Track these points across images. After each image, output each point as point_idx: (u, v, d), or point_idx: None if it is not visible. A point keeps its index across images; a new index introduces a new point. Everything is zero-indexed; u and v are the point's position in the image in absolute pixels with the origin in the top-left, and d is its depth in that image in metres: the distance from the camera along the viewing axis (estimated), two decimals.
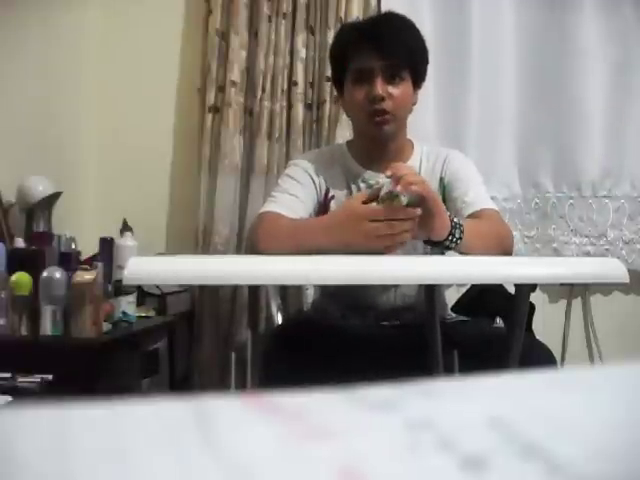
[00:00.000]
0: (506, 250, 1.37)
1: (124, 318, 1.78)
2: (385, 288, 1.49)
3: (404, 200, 1.15)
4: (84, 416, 0.18)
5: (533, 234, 2.47)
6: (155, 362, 1.92)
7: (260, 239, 1.34)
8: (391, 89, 1.44)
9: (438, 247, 1.26)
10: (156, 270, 0.98)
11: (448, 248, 1.26)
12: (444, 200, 1.46)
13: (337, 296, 1.54)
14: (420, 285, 1.46)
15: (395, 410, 0.18)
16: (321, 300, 1.60)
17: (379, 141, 1.49)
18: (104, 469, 0.15)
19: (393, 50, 1.43)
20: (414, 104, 1.53)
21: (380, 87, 1.43)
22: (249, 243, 1.45)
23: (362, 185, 1.51)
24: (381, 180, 1.49)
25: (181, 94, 2.49)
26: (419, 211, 1.15)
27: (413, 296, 1.52)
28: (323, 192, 1.50)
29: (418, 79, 1.51)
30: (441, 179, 1.50)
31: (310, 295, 1.70)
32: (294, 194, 1.46)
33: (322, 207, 1.49)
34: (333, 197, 1.50)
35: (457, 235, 1.22)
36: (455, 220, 1.23)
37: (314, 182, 1.50)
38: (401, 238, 1.16)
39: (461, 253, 1.27)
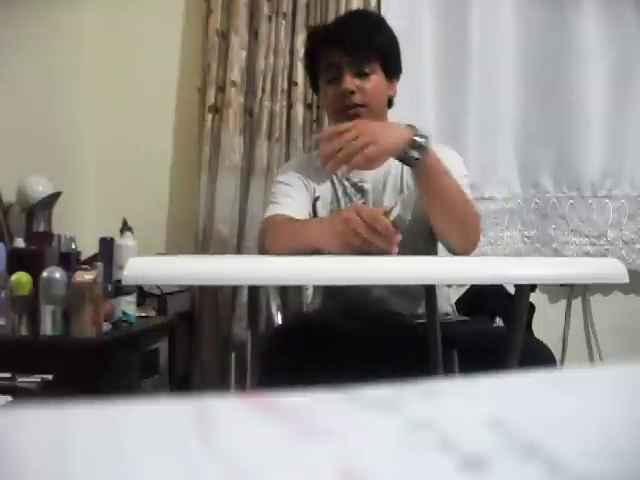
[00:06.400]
0: (466, 225, 1.35)
1: (124, 318, 1.78)
2: (385, 288, 1.49)
3: (392, 215, 1.19)
4: (84, 416, 0.18)
5: (533, 234, 2.47)
6: (155, 362, 1.92)
7: (268, 243, 1.38)
8: (360, 83, 1.47)
9: (403, 161, 1.28)
10: (156, 270, 0.98)
11: (408, 160, 1.26)
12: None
13: (336, 296, 1.54)
14: (416, 285, 1.46)
15: (395, 410, 0.18)
16: (320, 300, 1.60)
17: None
18: (104, 469, 0.15)
19: (357, 45, 1.46)
20: (392, 96, 1.55)
21: (349, 82, 1.46)
22: (260, 247, 1.48)
23: (346, 183, 1.52)
24: (366, 180, 1.51)
25: (181, 94, 2.49)
26: (399, 237, 1.16)
27: (414, 296, 1.52)
28: (313, 192, 1.52)
29: (390, 71, 1.53)
30: None
31: (310, 295, 1.70)
32: (290, 196, 1.48)
33: (312, 207, 1.51)
34: (319, 197, 1.52)
35: (415, 154, 1.24)
36: (420, 140, 1.24)
37: (304, 183, 1.52)
38: (369, 247, 1.15)
39: (420, 182, 1.29)
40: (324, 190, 1.52)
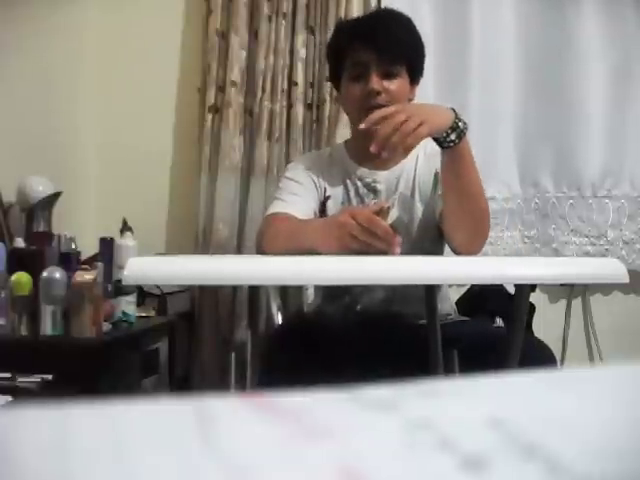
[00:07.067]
0: (479, 224, 1.35)
1: (124, 318, 1.78)
2: (388, 289, 1.49)
3: (388, 216, 1.20)
4: (84, 416, 0.18)
5: (533, 234, 2.47)
6: (155, 362, 1.92)
7: (265, 241, 1.37)
8: (387, 84, 1.45)
9: (439, 142, 1.28)
10: (156, 270, 0.98)
11: (444, 142, 1.27)
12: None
13: (337, 297, 1.54)
14: (419, 286, 1.46)
15: (395, 410, 0.18)
16: (320, 301, 1.60)
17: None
18: (104, 469, 0.15)
19: (387, 45, 1.44)
20: (411, 100, 1.53)
21: (375, 82, 1.44)
22: (257, 245, 1.47)
23: (359, 183, 1.52)
24: (379, 181, 1.50)
25: (181, 94, 2.49)
26: (399, 239, 1.16)
27: (417, 298, 1.52)
28: (323, 192, 1.51)
29: (414, 74, 1.51)
30: (436, 174, 1.50)
31: (310, 295, 1.70)
32: (297, 194, 1.47)
33: (321, 207, 1.50)
34: (330, 197, 1.51)
35: (453, 137, 1.26)
36: (461, 126, 1.26)
37: (314, 182, 1.51)
38: (368, 249, 1.15)
39: (449, 168, 1.29)
40: (336, 190, 1.51)
